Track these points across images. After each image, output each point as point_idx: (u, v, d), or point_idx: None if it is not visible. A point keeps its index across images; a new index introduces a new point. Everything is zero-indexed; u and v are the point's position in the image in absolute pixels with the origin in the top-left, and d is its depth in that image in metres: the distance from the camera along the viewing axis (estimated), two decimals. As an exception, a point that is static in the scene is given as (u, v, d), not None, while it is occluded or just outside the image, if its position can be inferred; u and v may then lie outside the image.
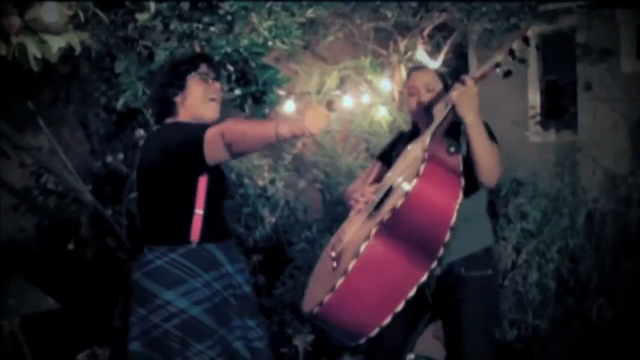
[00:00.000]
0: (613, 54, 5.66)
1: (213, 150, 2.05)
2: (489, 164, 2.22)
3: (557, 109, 6.24)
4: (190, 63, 2.27)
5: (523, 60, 2.20)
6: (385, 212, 2.12)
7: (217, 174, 2.23)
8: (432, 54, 5.31)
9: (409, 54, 5.22)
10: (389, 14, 4.75)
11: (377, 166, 2.56)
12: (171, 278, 2.12)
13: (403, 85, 2.47)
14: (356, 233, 2.26)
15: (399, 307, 2.11)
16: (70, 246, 4.19)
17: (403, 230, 2.09)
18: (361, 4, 4.75)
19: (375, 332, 2.13)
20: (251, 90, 3.08)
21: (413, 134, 2.47)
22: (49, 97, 3.85)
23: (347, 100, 5.08)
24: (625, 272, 3.61)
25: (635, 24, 5.63)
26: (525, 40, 2.18)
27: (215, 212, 2.22)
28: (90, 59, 3.09)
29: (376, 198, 2.31)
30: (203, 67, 2.26)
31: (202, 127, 2.08)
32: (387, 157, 2.53)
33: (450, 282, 2.36)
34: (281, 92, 4.70)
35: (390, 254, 2.09)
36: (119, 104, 3.09)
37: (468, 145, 2.24)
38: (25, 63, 2.38)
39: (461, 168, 2.21)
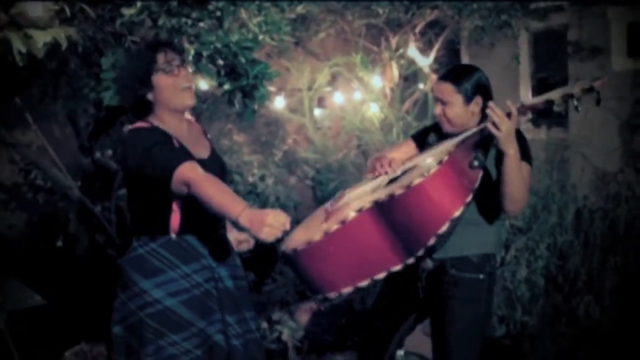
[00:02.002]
0: (604, 52, 5.68)
1: (177, 188, 2.06)
2: (517, 197, 2.23)
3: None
4: (146, 58, 2.16)
5: (577, 109, 2.20)
6: (384, 194, 2.12)
7: None
8: (424, 50, 5.31)
9: (401, 50, 5.22)
10: (381, 11, 4.74)
11: (407, 143, 2.56)
12: (149, 267, 2.14)
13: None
14: (357, 199, 2.27)
15: (363, 283, 2.15)
16: (59, 243, 4.17)
17: (393, 218, 2.09)
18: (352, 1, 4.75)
19: (333, 295, 2.18)
20: (241, 84, 3.06)
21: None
22: (37, 93, 3.83)
23: (338, 97, 5.09)
24: (613, 269, 3.63)
25: (627, 21, 5.64)
26: (590, 90, 2.18)
27: (195, 206, 2.17)
28: (78, 54, 3.07)
29: (392, 174, 2.31)
30: (161, 59, 2.16)
31: (176, 160, 2.04)
32: (420, 139, 2.53)
33: (441, 280, 2.37)
34: (272, 89, 4.69)
35: (373, 233, 2.11)
36: (105, 99, 3.07)
37: (499, 172, 2.23)
38: (10, 58, 2.36)
39: (476, 184, 2.19)
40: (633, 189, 3.91)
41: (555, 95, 2.19)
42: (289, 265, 2.35)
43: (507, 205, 2.25)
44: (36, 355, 3.52)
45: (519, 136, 2.34)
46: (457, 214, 2.07)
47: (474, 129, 2.27)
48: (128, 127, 2.27)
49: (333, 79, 5.19)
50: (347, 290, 2.17)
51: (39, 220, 4.58)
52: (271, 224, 1.86)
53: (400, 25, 5.16)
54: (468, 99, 2.32)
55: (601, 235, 3.70)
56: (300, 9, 3.83)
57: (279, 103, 4.96)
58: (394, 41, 5.20)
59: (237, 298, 2.27)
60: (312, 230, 2.24)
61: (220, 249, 2.27)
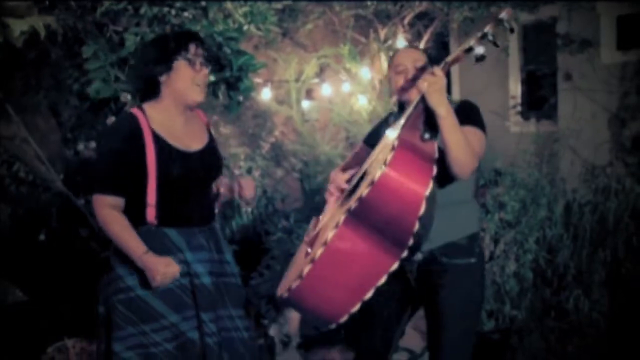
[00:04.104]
0: (593, 45, 5.67)
1: None
2: (460, 157, 2.16)
3: (538, 99, 6.24)
4: (178, 43, 2.18)
5: (496, 44, 2.15)
6: (353, 200, 2.08)
7: (171, 170, 2.17)
8: (413, 42, 5.27)
9: (389, 42, 5.18)
10: (369, 2, 4.70)
11: (361, 149, 2.51)
12: (126, 254, 2.13)
13: (389, 65, 2.42)
14: (329, 220, 2.23)
15: (368, 295, 2.09)
16: (41, 237, 4.11)
17: (371, 218, 2.05)
18: (341, -9, 4.71)
19: (344, 318, 2.11)
20: (225, 76, 3.01)
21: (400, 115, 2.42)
22: (19, 84, 3.76)
23: (326, 89, 5.04)
24: (602, 262, 3.61)
25: (616, 14, 5.63)
26: (499, 22, 2.10)
27: (173, 200, 2.18)
28: (60, 44, 3.00)
29: (351, 184, 2.27)
30: (192, 49, 2.19)
31: (96, 188, 2.17)
32: (373, 139, 2.47)
33: (432, 270, 2.33)
34: (259, 80, 4.64)
35: (359, 242, 2.06)
36: (92, 92, 3.01)
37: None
38: (-12, 48, 2.31)
39: (436, 155, 2.15)
40: (622, 182, 3.89)
41: (470, 41, 2.14)
42: (293, 308, 2.31)
43: (452, 168, 2.19)
44: (18, 351, 3.46)
45: (469, 105, 2.34)
46: (428, 191, 2.04)
47: (414, 102, 2.22)
48: (113, 119, 2.26)
49: (321, 71, 5.14)
50: (355, 308, 2.11)
51: (23, 213, 4.51)
52: (162, 281, 2.08)
53: (389, 17, 5.11)
54: None
55: (590, 228, 3.68)
56: (286, -1, 3.77)
57: (265, 95, 4.90)
58: (382, 32, 5.16)
59: (215, 295, 2.22)
60: (300, 266, 2.19)
61: (200, 243, 2.23)
